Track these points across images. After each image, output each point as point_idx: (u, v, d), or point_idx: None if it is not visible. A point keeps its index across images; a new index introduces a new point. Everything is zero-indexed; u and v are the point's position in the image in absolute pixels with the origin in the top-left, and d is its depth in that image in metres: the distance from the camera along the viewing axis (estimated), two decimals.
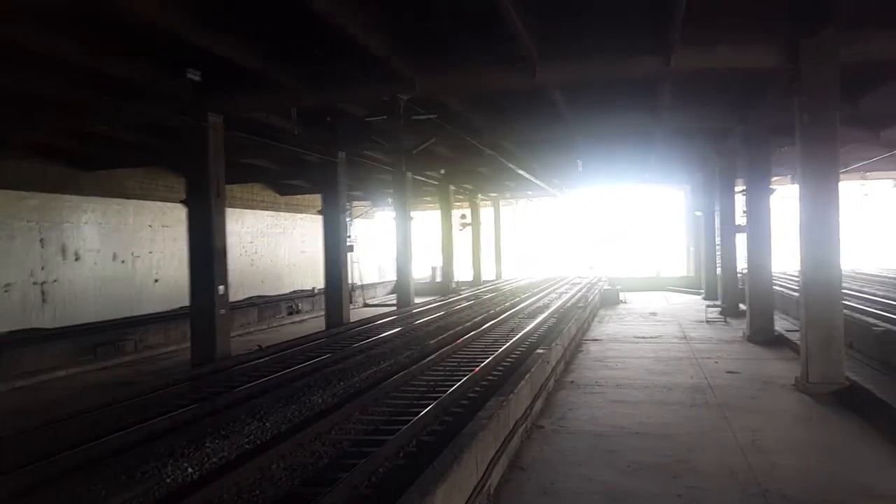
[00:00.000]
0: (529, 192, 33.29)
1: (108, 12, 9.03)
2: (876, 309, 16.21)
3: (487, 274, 36.46)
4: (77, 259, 18.88)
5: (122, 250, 20.51)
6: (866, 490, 6.29)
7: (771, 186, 15.45)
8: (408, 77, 11.25)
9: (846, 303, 11.40)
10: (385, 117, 14.32)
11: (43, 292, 17.74)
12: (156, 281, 21.58)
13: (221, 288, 13.14)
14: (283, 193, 29.37)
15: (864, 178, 26.84)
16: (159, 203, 21.51)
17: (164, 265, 21.83)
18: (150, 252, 21.55)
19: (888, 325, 12.61)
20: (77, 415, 9.03)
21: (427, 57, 11.19)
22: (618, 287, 26.44)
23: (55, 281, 18.06)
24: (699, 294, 26.66)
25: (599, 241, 42.30)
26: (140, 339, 17.16)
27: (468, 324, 17.09)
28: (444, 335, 15.13)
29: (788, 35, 10.00)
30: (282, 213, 29.82)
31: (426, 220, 36.22)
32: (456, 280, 31.62)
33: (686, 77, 12.31)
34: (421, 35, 10.65)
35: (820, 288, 10.04)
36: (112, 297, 19.82)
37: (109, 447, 7.47)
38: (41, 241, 17.83)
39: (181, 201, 13.52)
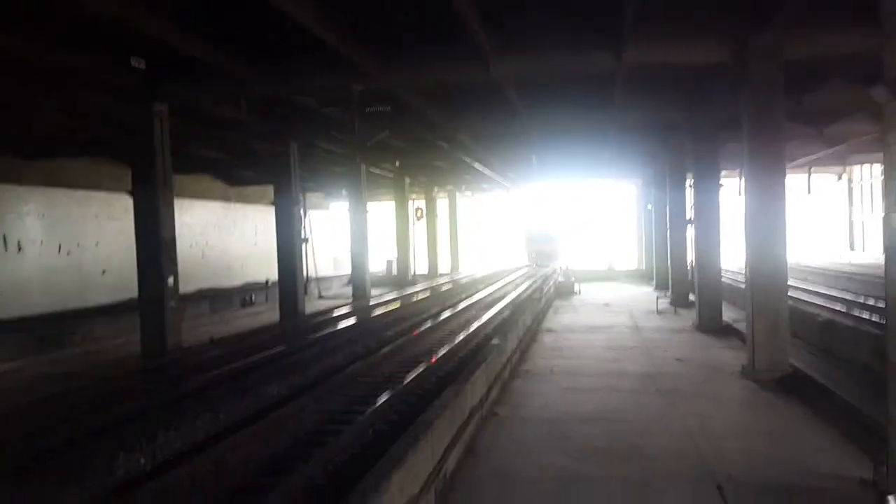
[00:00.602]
0: (485, 186, 33.48)
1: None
2: (819, 300, 16.86)
3: (444, 266, 36.49)
4: (20, 251, 18.19)
5: (67, 241, 19.82)
6: (810, 470, 6.54)
7: (720, 182, 15.90)
8: (361, 68, 11.17)
9: (791, 294, 11.80)
10: (339, 109, 14.20)
11: None
12: (103, 272, 20.93)
13: (171, 279, 12.89)
14: (234, 184, 28.79)
15: (809, 172, 27.79)
16: (105, 193, 20.83)
17: (112, 256, 21.18)
18: (97, 243, 20.87)
19: (830, 315, 13.14)
20: (24, 407, 8.76)
21: (381, 49, 11.14)
22: (573, 279, 26.82)
23: None
24: (650, 285, 27.28)
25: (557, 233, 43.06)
26: (88, 331, 16.69)
27: (424, 315, 17.12)
28: (400, 326, 15.13)
29: (735, 32, 10.29)
30: (233, 205, 29.22)
31: (382, 212, 36.05)
32: (413, 273, 31.59)
33: (637, 73, 12.55)
34: (375, 27, 10.58)
35: (766, 278, 10.36)
36: (58, 289, 19.15)
37: (59, 438, 7.27)
38: None
39: (127, 191, 13.18)
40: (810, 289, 20.16)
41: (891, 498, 5.31)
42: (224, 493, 6.08)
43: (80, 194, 20.22)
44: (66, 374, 12.45)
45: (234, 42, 10.95)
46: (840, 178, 35.99)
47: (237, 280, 28.36)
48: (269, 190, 19.15)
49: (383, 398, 8.43)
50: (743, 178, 10.87)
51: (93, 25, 9.72)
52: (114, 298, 19.99)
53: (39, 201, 18.86)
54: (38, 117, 14.67)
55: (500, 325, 14.11)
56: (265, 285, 26.63)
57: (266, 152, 18.03)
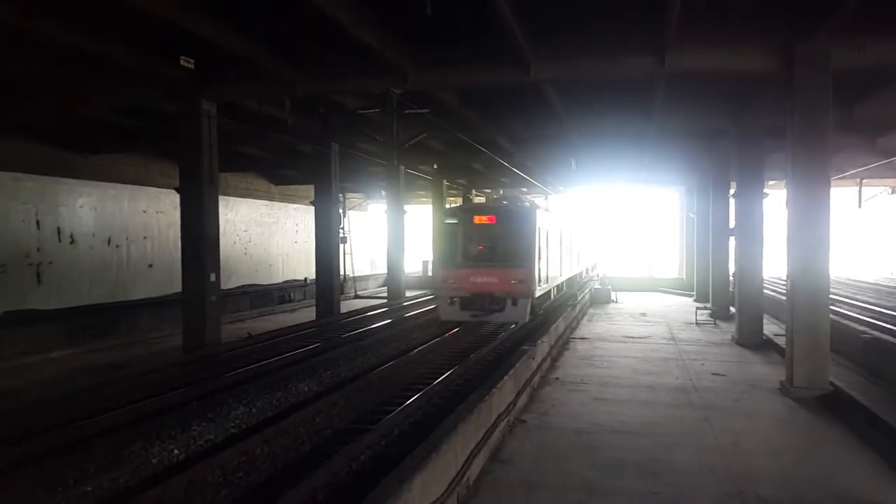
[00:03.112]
0: (524, 189, 33.29)
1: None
2: (866, 316, 16.32)
3: None
4: (72, 242, 18.85)
5: (117, 235, 20.47)
6: (842, 493, 6.35)
7: (765, 191, 15.51)
8: (401, 71, 11.28)
9: (836, 309, 11.48)
10: (378, 110, 14.34)
11: (38, 274, 17.71)
12: (150, 266, 21.55)
13: (213, 275, 13.14)
14: (277, 183, 29.31)
15: (860, 185, 26.87)
16: (154, 189, 21.46)
17: (159, 250, 21.80)
18: (145, 237, 21.51)
19: (876, 333, 12.70)
20: (67, 395, 9.06)
21: (421, 52, 11.22)
22: (609, 286, 26.48)
23: (50, 263, 18.03)
24: (691, 296, 26.76)
25: (592, 240, 41.97)
26: (133, 323, 17.16)
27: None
28: (433, 328, 15.18)
29: (783, 39, 10.04)
30: (276, 203, 29.77)
31: (420, 214, 36.21)
32: None
33: (680, 78, 12.34)
34: (415, 30, 10.67)
35: (807, 293, 10.08)
36: (106, 282, 19.80)
37: (97, 427, 7.50)
38: (37, 223, 17.78)
39: (174, 188, 13.52)
40: (859, 304, 19.53)
41: None
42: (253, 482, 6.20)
43: (130, 189, 20.85)
44: (108, 365, 12.83)
45: (280, 44, 11.16)
46: (894, 191, 34.70)
47: (277, 277, 28.86)
48: (311, 189, 19.41)
49: (412, 399, 8.48)
50: (787, 189, 10.59)
51: (145, 25, 10.03)
52: (159, 292, 20.56)
53: (92, 195, 19.52)
54: (90, 112, 15.22)
55: (532, 331, 14.02)
56: (304, 283, 27.01)
57: (308, 152, 18.30)
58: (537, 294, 15.33)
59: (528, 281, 14.70)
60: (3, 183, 16.75)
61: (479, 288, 14.67)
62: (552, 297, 18.79)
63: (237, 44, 10.53)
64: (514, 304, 14.58)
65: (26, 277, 17.29)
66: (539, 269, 15.36)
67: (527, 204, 17.61)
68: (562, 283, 20.89)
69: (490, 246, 15.20)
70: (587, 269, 31.01)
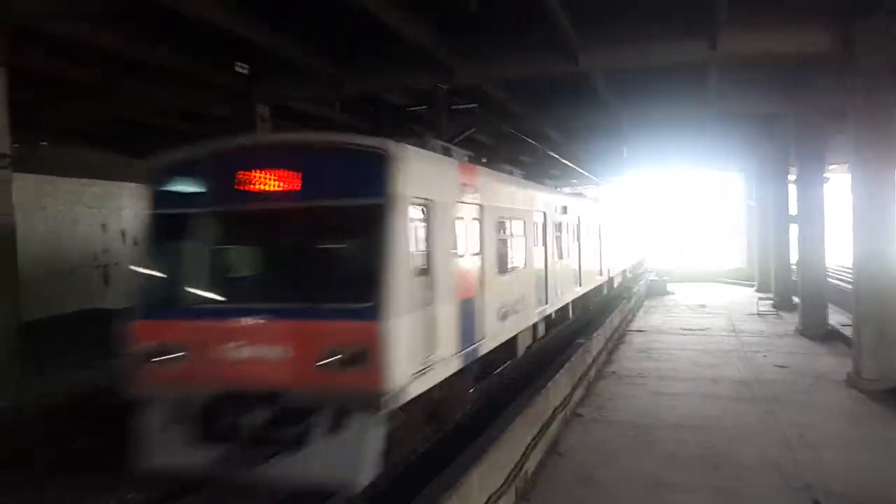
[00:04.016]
0: (574, 181, 32.84)
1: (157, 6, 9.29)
2: None
3: None
4: (136, 244, 19.54)
5: None
6: None
7: (825, 175, 14.94)
8: (447, 66, 11.28)
9: None
10: (426, 107, 14.39)
11: (105, 275, 18.46)
12: None
13: None
14: None
15: None
16: None
17: None
18: None
19: None
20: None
21: (466, 46, 11.19)
22: (665, 278, 25.97)
23: (116, 264, 18.74)
24: (752, 286, 25.99)
25: (647, 230, 40.71)
26: None
27: None
28: None
29: (841, 18, 9.64)
30: None
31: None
32: None
33: (732, 62, 11.98)
34: (460, 24, 10.64)
35: (874, 281, 9.68)
36: None
37: None
38: (103, 226, 18.51)
39: None
40: None
41: None
42: None
43: None
44: None
45: (326, 45, 11.30)
46: None
47: None
48: None
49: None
50: (850, 173, 10.19)
51: (201, 34, 10.31)
52: None
53: None
54: (148, 117, 15.74)
55: (587, 323, 13.87)
56: None
57: None
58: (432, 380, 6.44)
59: (385, 357, 5.57)
60: (72, 189, 17.49)
61: (239, 376, 5.94)
62: (570, 313, 14.08)
63: (287, 47, 10.72)
64: (333, 428, 5.71)
65: (94, 279, 18.03)
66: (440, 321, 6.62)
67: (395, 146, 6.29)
68: (604, 283, 18.06)
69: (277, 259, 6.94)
70: (633, 265, 28.49)
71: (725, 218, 41.71)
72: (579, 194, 20.66)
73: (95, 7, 9.28)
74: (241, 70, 11.42)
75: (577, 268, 14.06)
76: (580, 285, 14.39)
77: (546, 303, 11.28)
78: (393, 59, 11.65)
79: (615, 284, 21.26)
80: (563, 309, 13.04)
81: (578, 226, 14.42)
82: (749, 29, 10.01)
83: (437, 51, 10.74)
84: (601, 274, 17.58)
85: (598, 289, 17.66)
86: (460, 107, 12.89)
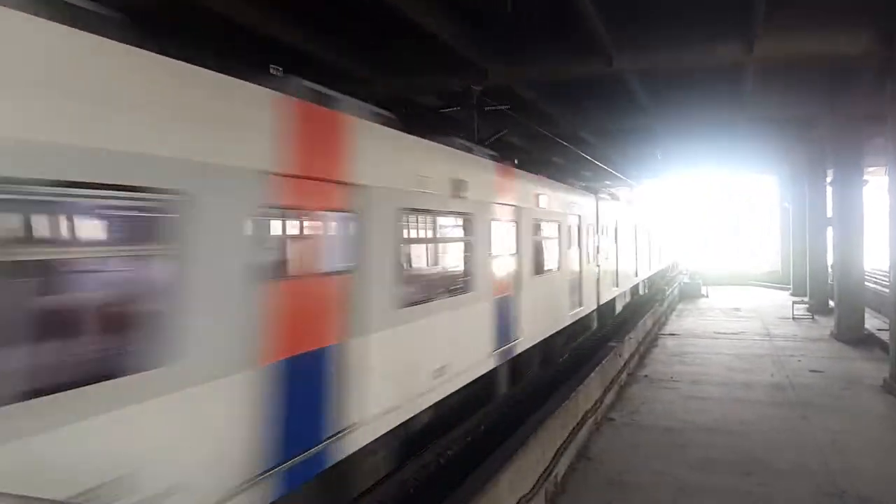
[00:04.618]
0: (608, 183, 32.64)
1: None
2: None
3: None
4: None
5: None
6: None
7: (864, 178, 14.68)
8: (480, 67, 11.36)
9: None
10: (458, 108, 14.49)
11: None
12: None
13: None
14: None
15: None
16: None
17: None
18: None
19: None
20: None
21: (499, 47, 11.24)
22: (699, 280, 25.68)
23: None
24: (787, 289, 25.56)
25: (680, 232, 40.24)
26: None
27: None
28: None
29: (881, 19, 9.50)
30: None
31: None
32: None
33: (769, 64, 11.85)
34: (493, 25, 10.69)
35: None
36: None
37: None
38: None
39: None
40: None
41: None
42: None
43: None
44: None
45: (358, 45, 11.43)
46: None
47: None
48: None
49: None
50: (888, 176, 10.03)
51: (234, 37, 10.50)
52: None
53: None
54: None
55: (618, 326, 13.87)
56: None
57: None
58: None
59: None
60: None
61: None
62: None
63: (320, 48, 10.86)
64: None
65: None
66: None
67: None
68: (638, 284, 17.82)
69: None
70: (667, 267, 28.71)
71: (759, 220, 41.16)
72: (614, 196, 20.61)
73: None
74: (275, 73, 11.64)
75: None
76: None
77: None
78: (426, 60, 11.76)
79: (648, 286, 21.16)
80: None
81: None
82: (786, 30, 9.89)
83: (470, 52, 10.81)
84: (637, 275, 17.67)
85: (633, 290, 17.72)
86: (493, 108, 12.98)
